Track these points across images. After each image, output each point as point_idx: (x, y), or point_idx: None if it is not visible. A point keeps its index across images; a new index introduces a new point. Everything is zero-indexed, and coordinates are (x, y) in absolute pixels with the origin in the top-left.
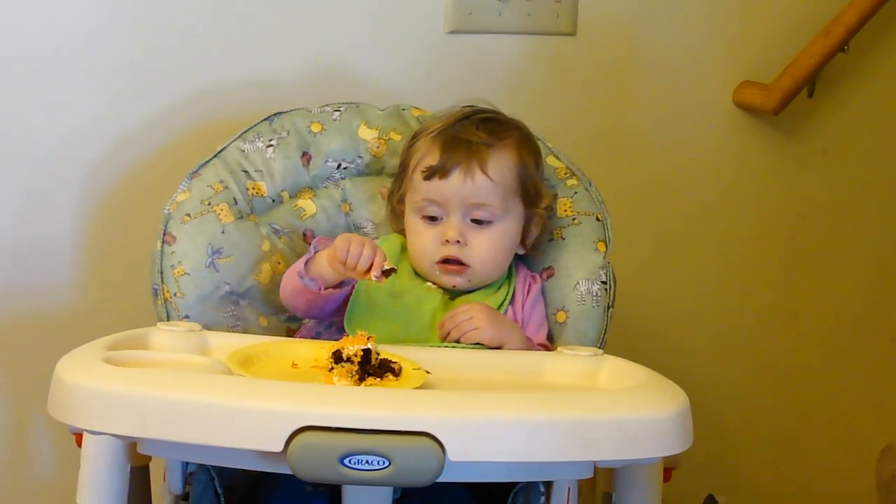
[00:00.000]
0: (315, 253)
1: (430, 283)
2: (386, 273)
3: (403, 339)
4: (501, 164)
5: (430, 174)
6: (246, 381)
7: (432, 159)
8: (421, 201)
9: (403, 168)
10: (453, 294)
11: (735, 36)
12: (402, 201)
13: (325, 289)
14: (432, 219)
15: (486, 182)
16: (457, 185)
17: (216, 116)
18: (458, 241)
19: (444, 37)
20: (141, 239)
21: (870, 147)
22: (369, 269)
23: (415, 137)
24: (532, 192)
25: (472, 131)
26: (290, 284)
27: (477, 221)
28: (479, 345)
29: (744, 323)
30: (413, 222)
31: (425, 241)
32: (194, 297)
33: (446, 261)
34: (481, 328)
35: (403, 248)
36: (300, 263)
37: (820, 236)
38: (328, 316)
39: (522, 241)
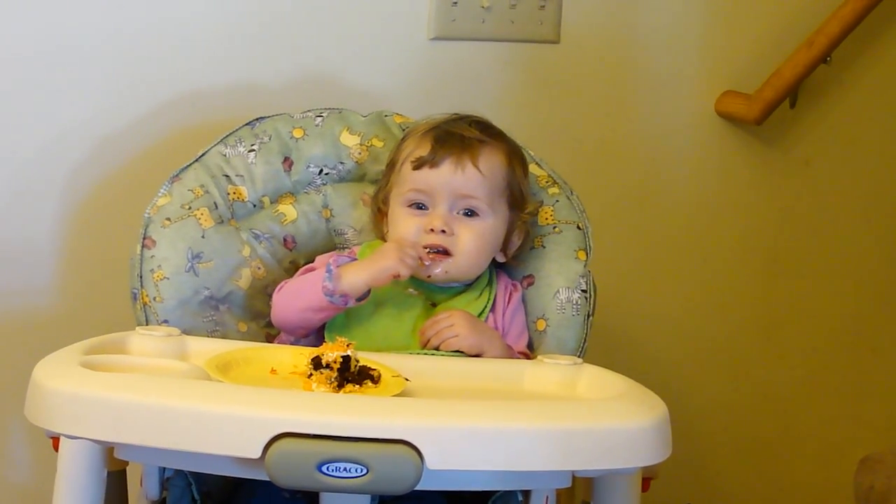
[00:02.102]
0: (334, 271)
1: (411, 290)
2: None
3: (384, 347)
4: (492, 161)
5: (420, 164)
6: (224, 386)
7: (423, 151)
8: (409, 191)
9: (391, 166)
10: (434, 301)
11: (718, 46)
12: (386, 201)
13: (357, 300)
14: (419, 208)
15: (475, 175)
16: (446, 175)
17: (198, 120)
18: (444, 231)
19: (428, 43)
20: (121, 242)
21: (851, 158)
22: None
23: (403, 140)
24: (518, 197)
25: (465, 128)
26: (303, 303)
27: (463, 214)
28: (459, 352)
29: (724, 332)
30: (398, 212)
31: (409, 229)
32: (173, 302)
33: (429, 249)
34: (462, 335)
35: None
36: (317, 282)
37: (801, 246)
38: (316, 330)
39: (504, 248)
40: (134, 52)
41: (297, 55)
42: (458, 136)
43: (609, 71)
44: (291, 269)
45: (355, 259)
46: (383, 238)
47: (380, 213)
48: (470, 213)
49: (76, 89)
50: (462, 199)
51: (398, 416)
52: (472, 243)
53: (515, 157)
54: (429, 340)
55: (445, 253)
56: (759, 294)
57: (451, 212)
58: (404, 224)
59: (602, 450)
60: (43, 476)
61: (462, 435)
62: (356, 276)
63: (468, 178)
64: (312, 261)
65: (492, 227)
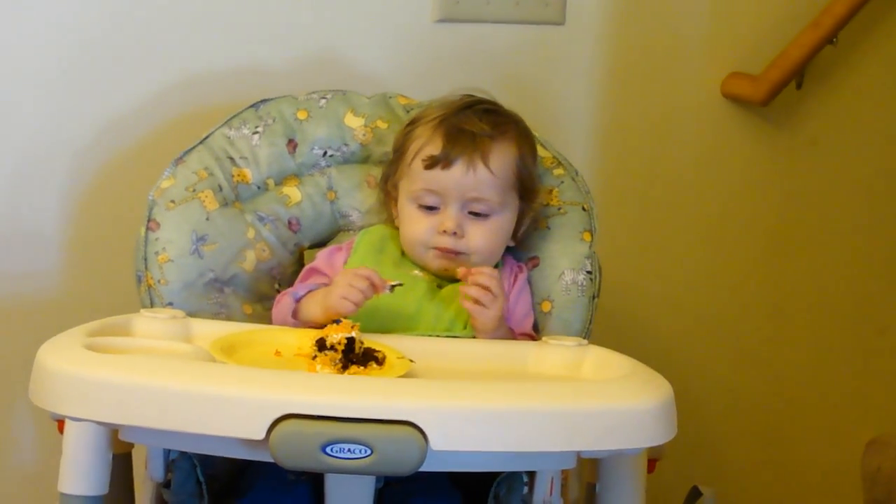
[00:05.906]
0: (297, 302)
1: (416, 272)
2: (392, 288)
3: (389, 328)
4: (503, 157)
5: (433, 164)
6: (228, 368)
7: (434, 148)
8: (419, 190)
9: (400, 153)
10: (441, 283)
11: (724, 27)
12: (396, 187)
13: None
14: (429, 208)
15: (487, 175)
16: (458, 176)
17: (202, 103)
18: (456, 233)
19: (432, 25)
20: (125, 225)
21: (857, 139)
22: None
23: (413, 124)
24: (528, 187)
25: (475, 122)
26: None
27: (474, 213)
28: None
29: (730, 314)
30: (408, 210)
31: (420, 229)
32: (178, 284)
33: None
34: (491, 314)
35: (385, 239)
36: (290, 305)
37: (807, 227)
38: None
39: (514, 234)
40: (138, 34)
41: (301, 37)
42: (468, 132)
43: (614, 53)
44: (296, 252)
45: (326, 285)
46: (392, 221)
47: (388, 196)
48: (481, 213)
49: (80, 71)
50: (472, 201)
51: (402, 398)
52: (483, 243)
53: (526, 144)
54: (469, 285)
55: (457, 254)
56: (765, 275)
57: (461, 211)
58: (415, 225)
59: (607, 430)
60: (48, 458)
61: (466, 416)
62: (313, 310)
63: (479, 180)
64: (317, 245)
65: (503, 224)
